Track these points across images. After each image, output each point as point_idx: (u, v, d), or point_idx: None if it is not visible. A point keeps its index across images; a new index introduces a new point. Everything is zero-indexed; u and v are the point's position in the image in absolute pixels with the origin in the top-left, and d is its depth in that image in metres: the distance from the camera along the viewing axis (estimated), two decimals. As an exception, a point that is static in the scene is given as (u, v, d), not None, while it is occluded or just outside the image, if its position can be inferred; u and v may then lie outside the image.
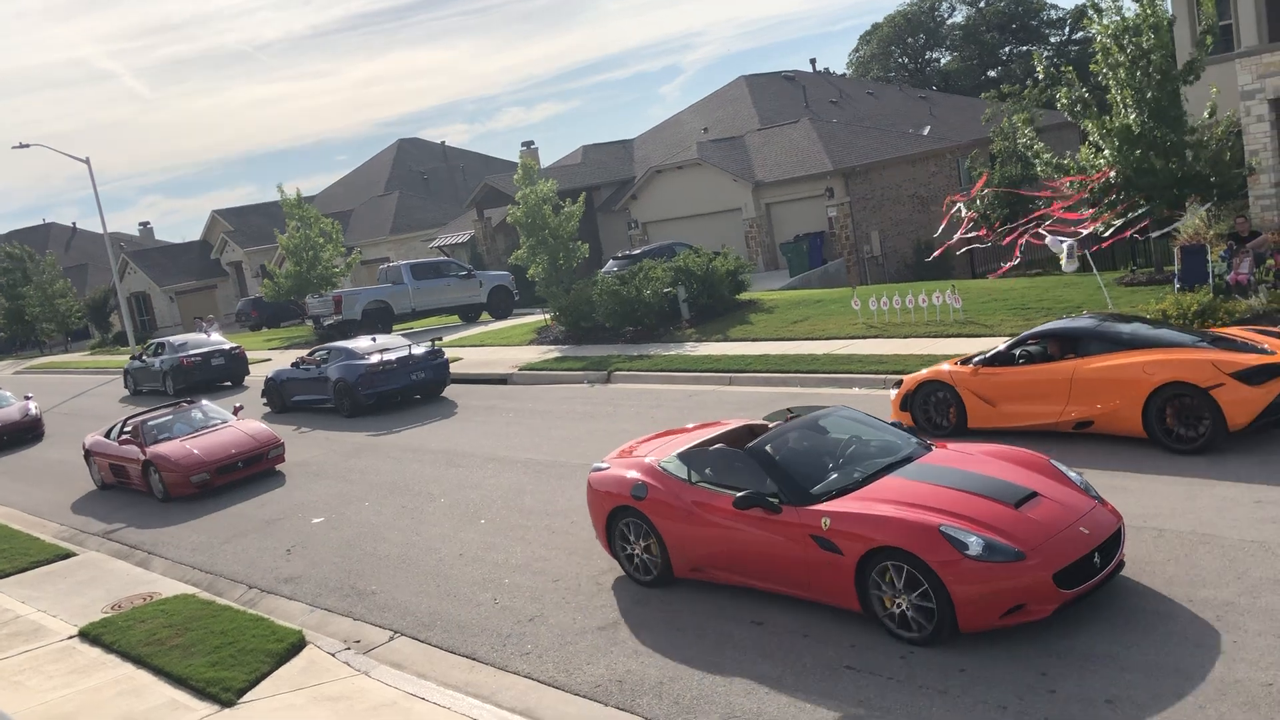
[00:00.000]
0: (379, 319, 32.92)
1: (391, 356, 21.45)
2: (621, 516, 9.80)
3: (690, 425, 11.36)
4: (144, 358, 30.35)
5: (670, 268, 25.37)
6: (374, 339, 23.18)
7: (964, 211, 23.37)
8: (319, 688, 8.93)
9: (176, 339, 30.33)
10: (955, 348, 17.45)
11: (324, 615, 10.73)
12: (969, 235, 21.76)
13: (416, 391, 21.72)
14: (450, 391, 22.46)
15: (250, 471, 16.78)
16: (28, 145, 42.06)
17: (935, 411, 13.13)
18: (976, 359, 13.05)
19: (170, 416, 17.98)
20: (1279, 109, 26.95)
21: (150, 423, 17.61)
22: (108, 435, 18.21)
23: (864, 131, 40.67)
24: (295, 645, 9.73)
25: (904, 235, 37.51)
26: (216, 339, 31.45)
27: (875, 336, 19.64)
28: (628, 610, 9.43)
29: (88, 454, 18.40)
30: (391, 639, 9.87)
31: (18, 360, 51.15)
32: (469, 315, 35.04)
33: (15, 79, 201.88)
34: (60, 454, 22.48)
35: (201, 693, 8.95)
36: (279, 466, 17.50)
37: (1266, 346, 11.34)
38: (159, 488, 16.54)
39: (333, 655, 9.61)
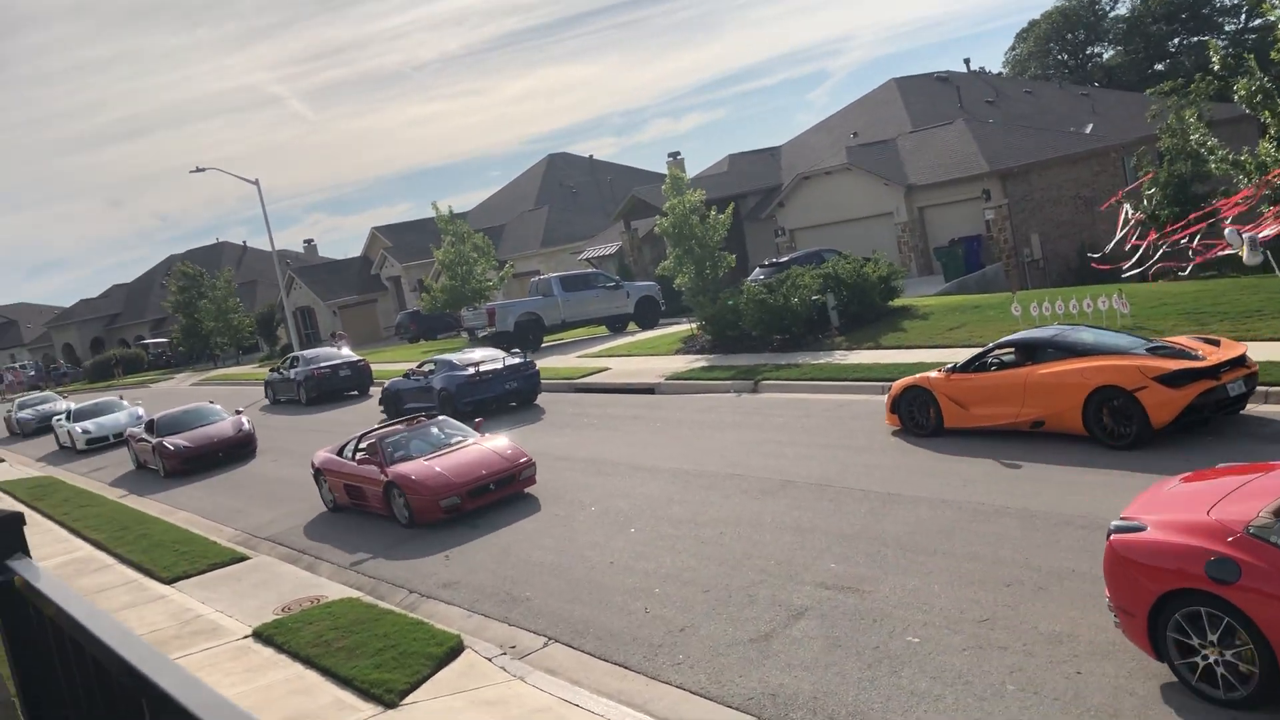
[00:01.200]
0: (530, 330, 33.56)
1: (487, 368, 23.20)
2: (1183, 603, 6.73)
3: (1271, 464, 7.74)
4: (281, 370, 33.26)
5: (819, 275, 25.04)
6: (474, 351, 25.65)
7: (1130, 212, 22.36)
8: (477, 692, 9.11)
9: (309, 353, 33.64)
10: (1122, 354, 16.66)
11: (481, 620, 10.95)
12: (1136, 241, 20.76)
13: (510, 399, 23.41)
14: (597, 401, 22.73)
15: (502, 494, 14.83)
16: (203, 169, 44.66)
17: (918, 413, 14.74)
18: (950, 367, 14.72)
19: (407, 433, 16.16)
20: None
21: (389, 439, 15.86)
22: (340, 453, 16.63)
23: (1022, 131, 39.36)
24: (454, 649, 9.96)
25: (1066, 238, 36.09)
26: (346, 353, 34.01)
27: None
28: (781, 623, 9.31)
29: (318, 473, 16.84)
30: (546, 645, 10.00)
31: (194, 372, 54.18)
32: (616, 326, 35.37)
33: (192, 107, 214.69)
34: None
35: (366, 694, 9.25)
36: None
37: (1199, 353, 12.62)
38: (403, 513, 14.84)
39: (489, 660, 9.80)
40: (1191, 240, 19.63)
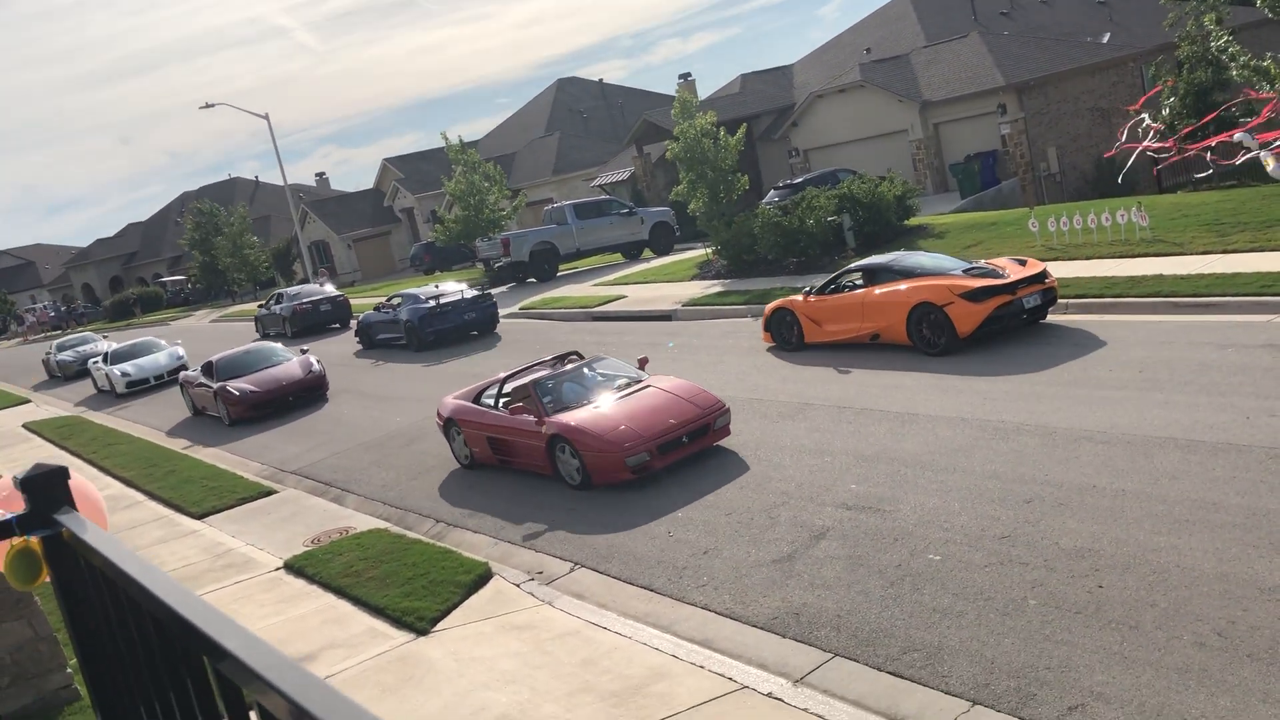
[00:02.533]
0: (545, 259, 33.51)
1: (446, 300, 25.33)
2: None
3: None
4: (269, 306, 35.72)
5: (834, 195, 24.85)
6: (436, 286, 27.65)
7: (1147, 120, 22.01)
8: (506, 617, 9.31)
9: (293, 289, 36.16)
10: (1144, 268, 16.59)
11: (508, 548, 11.14)
12: (1154, 146, 20.47)
13: (470, 329, 25.48)
14: (615, 329, 22.79)
15: (696, 448, 12.21)
16: (213, 105, 44.45)
17: (784, 330, 17.12)
18: (808, 289, 17.07)
19: (562, 373, 13.49)
20: None
21: (544, 382, 13.17)
22: (477, 399, 14.19)
23: (1038, 43, 38.60)
24: (482, 576, 10.15)
25: (1083, 151, 35.60)
26: (328, 289, 36.76)
27: (1056, 259, 18.79)
28: (803, 544, 9.44)
29: (450, 424, 14.23)
30: (572, 570, 10.18)
31: (213, 309, 54.45)
32: (632, 253, 35.26)
33: (198, 41, 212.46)
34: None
35: (398, 622, 9.46)
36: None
37: (1007, 272, 14.87)
38: (574, 473, 12.27)
39: (517, 586, 9.99)
40: (1209, 151, 19.35)
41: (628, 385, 12.97)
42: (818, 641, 7.77)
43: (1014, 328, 14.70)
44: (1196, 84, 28.06)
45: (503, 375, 14.21)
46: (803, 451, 11.94)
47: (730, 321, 21.17)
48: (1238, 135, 18.15)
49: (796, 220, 24.29)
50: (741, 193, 30.21)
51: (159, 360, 28.90)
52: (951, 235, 23.35)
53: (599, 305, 25.82)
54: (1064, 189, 34.53)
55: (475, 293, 25.84)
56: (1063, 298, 16.04)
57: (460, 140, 40.01)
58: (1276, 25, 24.41)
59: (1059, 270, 17.82)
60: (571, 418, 12.25)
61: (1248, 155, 18.38)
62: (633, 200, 41.10)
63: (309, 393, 21.28)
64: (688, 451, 12.12)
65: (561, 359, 14.21)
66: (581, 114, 62.30)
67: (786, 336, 17.07)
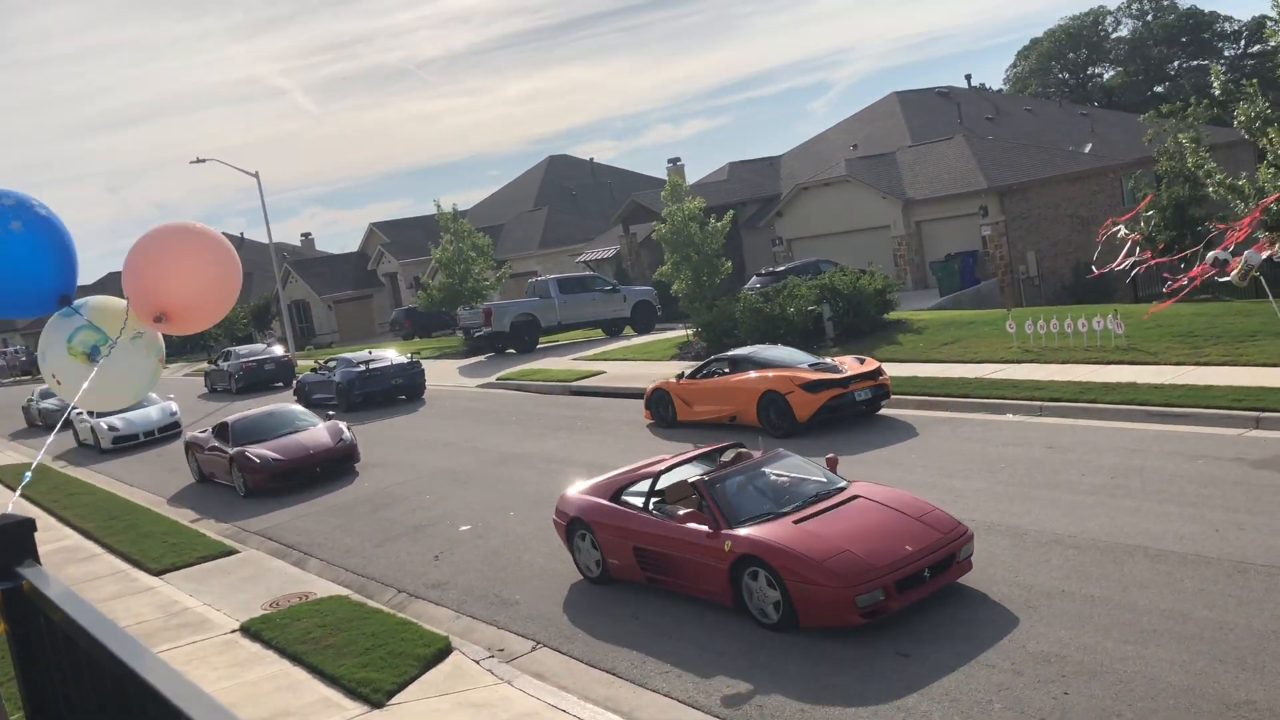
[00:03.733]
0: (526, 331, 33.55)
1: (376, 365, 27.18)
2: None
3: None
4: (218, 363, 37.12)
5: (815, 285, 25.10)
6: (370, 352, 29.20)
7: (1123, 232, 22.42)
8: (464, 694, 9.11)
9: (242, 349, 37.90)
10: (1118, 375, 16.76)
11: (469, 622, 10.96)
12: (1134, 259, 20.80)
13: (397, 394, 27.13)
14: (593, 405, 22.75)
15: (936, 586, 9.27)
16: (203, 160, 44.60)
17: (662, 409, 19.00)
18: (680, 374, 19.13)
19: (727, 471, 10.53)
20: None
21: (721, 484, 10.17)
22: (617, 498, 11.04)
23: (1021, 149, 39.48)
24: (442, 650, 9.96)
25: (1062, 256, 36.20)
26: (275, 350, 38.26)
27: (1031, 361, 19.01)
28: (768, 634, 9.32)
29: (575, 524, 11.21)
30: (534, 649, 10.01)
31: (187, 363, 54.04)
32: (612, 329, 35.38)
33: (195, 96, 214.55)
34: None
35: (353, 692, 9.24)
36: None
37: (845, 368, 17.21)
38: (771, 606, 9.18)
39: (477, 662, 9.80)
40: (1186, 265, 19.68)
41: (827, 493, 10.13)
42: (780, 736, 7.62)
43: (850, 416, 16.89)
44: (1175, 198, 28.69)
45: (651, 466, 11.57)
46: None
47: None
48: (1209, 255, 18.52)
49: (777, 307, 24.48)
50: (725, 277, 30.52)
51: (150, 415, 26.85)
52: (929, 331, 23.56)
53: (577, 380, 25.81)
54: (1042, 292, 35.02)
55: (404, 360, 27.85)
56: (1037, 400, 16.20)
57: (454, 209, 40.31)
58: (1250, 145, 25.08)
59: (1036, 373, 18.02)
60: (769, 533, 9.30)
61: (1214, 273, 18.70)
62: (616, 278, 41.37)
63: (339, 464, 18.78)
64: (928, 591, 9.15)
65: (721, 451, 11.67)
66: (570, 191, 62.99)
67: (663, 414, 19.07)
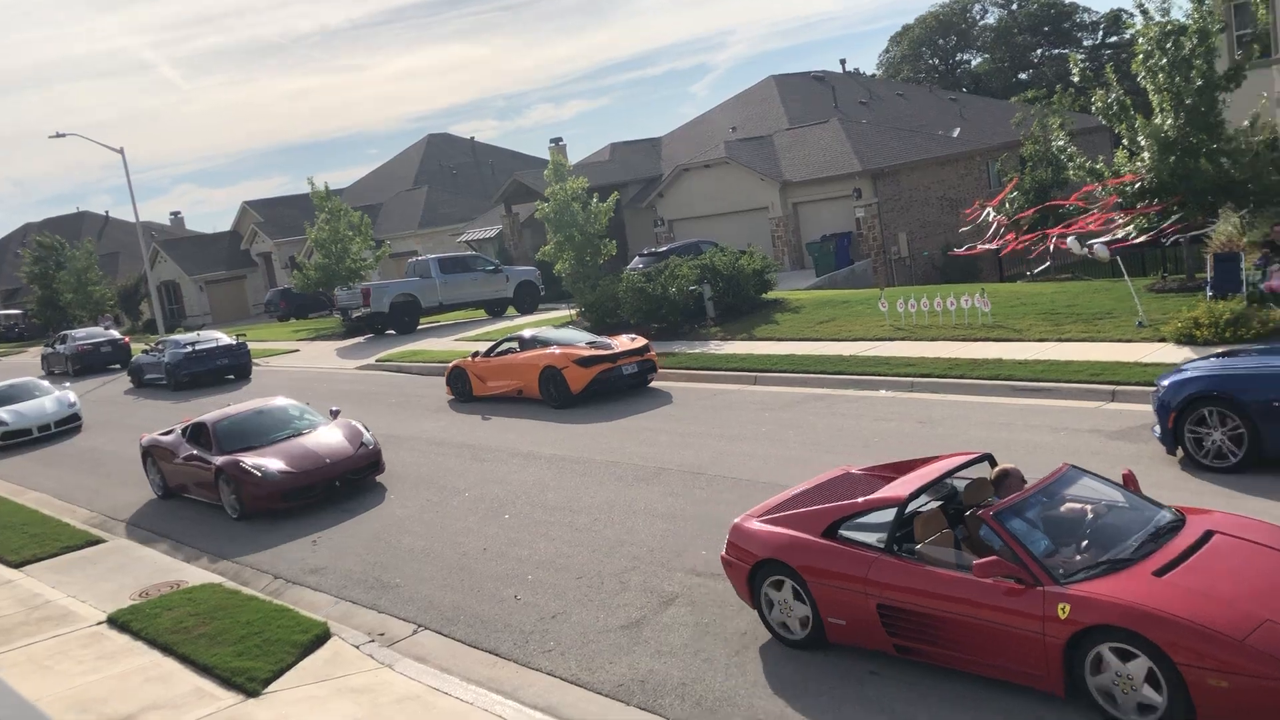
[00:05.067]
0: (406, 312, 33.06)
1: (202, 346, 28.60)
2: None
3: None
4: (54, 346, 36.77)
5: (696, 265, 25.34)
6: (198, 334, 30.70)
7: (992, 216, 23.23)
8: (343, 680, 8.99)
9: (79, 332, 37.64)
10: (985, 352, 17.37)
11: (349, 607, 10.79)
12: (996, 239, 21.58)
13: (224, 373, 28.58)
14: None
15: None
16: (64, 135, 42.52)
17: (461, 385, 20.58)
18: (475, 353, 20.89)
19: (1015, 499, 7.56)
20: (1316, 116, 26.60)
21: (1022, 514, 7.42)
22: (832, 533, 8.11)
23: (893, 133, 40.46)
24: (320, 637, 9.79)
25: (932, 237, 37.29)
26: (111, 333, 38.22)
27: (903, 339, 19.56)
28: (652, 610, 9.43)
29: (769, 566, 8.30)
30: (415, 632, 9.92)
31: (48, 346, 51.54)
32: (495, 310, 35.13)
33: (56, 69, 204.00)
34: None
35: (227, 682, 9.02)
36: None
37: (616, 346, 19.00)
38: (1135, 707, 6.44)
39: (357, 648, 9.66)
40: (1047, 243, 20.53)
41: (1166, 528, 7.39)
42: (662, 710, 7.74)
43: (619, 389, 18.74)
44: (1038, 181, 29.81)
45: (875, 490, 8.47)
46: (654, 516, 11.99)
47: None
48: (1069, 240, 19.33)
49: (660, 287, 24.64)
50: (608, 257, 30.48)
51: (44, 407, 23.66)
52: (806, 310, 24.04)
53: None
54: (913, 273, 36.04)
55: (231, 342, 29.26)
56: (909, 376, 16.69)
57: (326, 187, 39.33)
58: (1107, 131, 26.21)
59: (908, 350, 18.55)
60: (1132, 594, 6.54)
61: (1077, 252, 19.55)
62: (499, 258, 41.03)
63: (363, 474, 14.99)
64: None
65: (963, 466, 8.55)
66: (451, 170, 62.11)
67: (461, 390, 20.65)
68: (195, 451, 15.37)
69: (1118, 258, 19.83)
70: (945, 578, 7.28)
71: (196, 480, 15.35)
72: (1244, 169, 19.06)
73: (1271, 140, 20.28)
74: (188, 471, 15.51)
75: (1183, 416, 10.84)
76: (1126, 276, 19.12)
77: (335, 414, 16.29)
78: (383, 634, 9.98)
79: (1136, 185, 19.53)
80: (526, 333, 20.62)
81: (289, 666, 9.24)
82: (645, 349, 19.34)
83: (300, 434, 15.40)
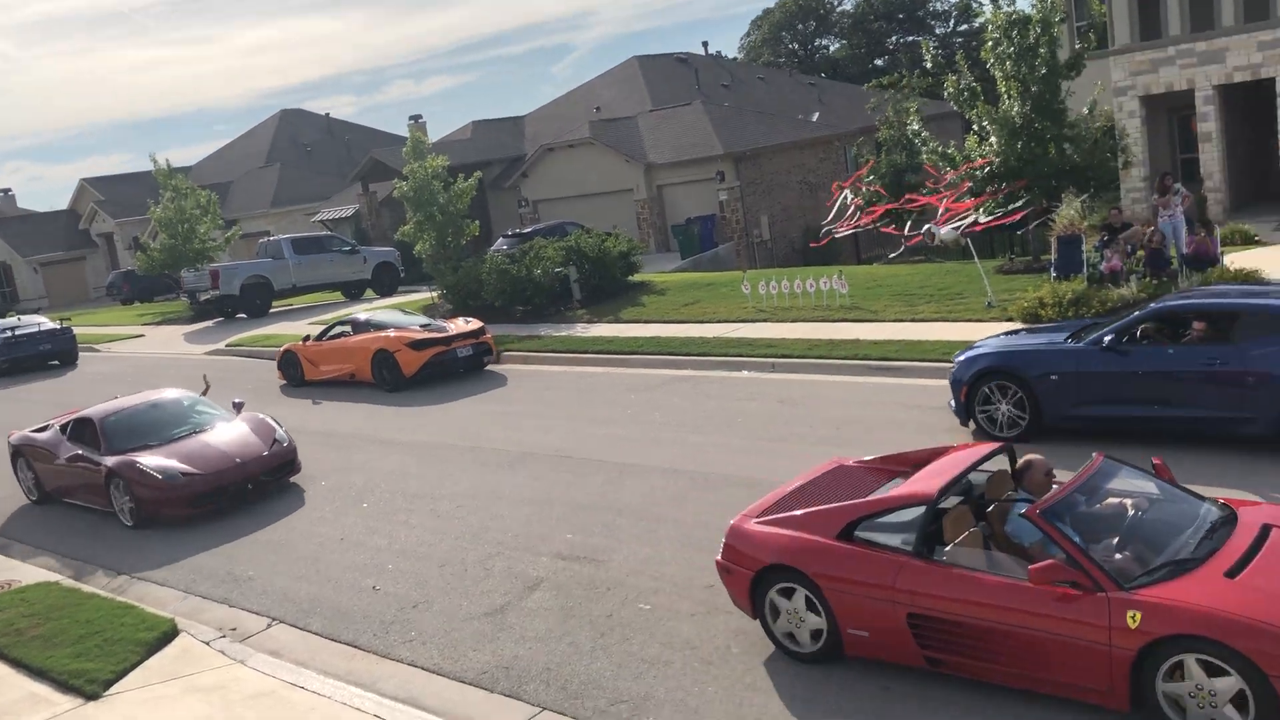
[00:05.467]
0: (258, 294, 31.94)
1: (22, 332, 27.86)
2: None
3: None
4: None
5: (561, 247, 25.16)
6: (18, 318, 29.97)
7: (850, 198, 23.73)
8: (192, 678, 8.58)
9: None
10: (843, 332, 17.73)
11: (199, 602, 10.33)
12: (856, 224, 22.03)
13: (47, 359, 27.88)
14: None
15: None
16: (-124, 103, 39.54)
17: (292, 370, 20.34)
18: (306, 337, 20.75)
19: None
20: (1149, 106, 28.12)
21: (1072, 511, 6.85)
22: (850, 535, 7.30)
23: (755, 116, 40.97)
24: (167, 634, 9.33)
25: (792, 220, 37.96)
26: None
27: (764, 320, 19.82)
28: (516, 596, 9.29)
29: (776, 572, 7.46)
30: (269, 626, 9.55)
31: None
32: (353, 292, 34.23)
33: None
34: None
35: (64, 685, 8.51)
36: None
37: (450, 329, 19.19)
38: None
39: (207, 644, 9.24)
40: (902, 228, 21.07)
41: (1219, 523, 6.91)
42: (527, 696, 7.63)
43: (454, 372, 18.82)
44: (894, 165, 30.61)
45: (891, 485, 7.90)
46: (519, 501, 11.84)
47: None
48: (925, 228, 19.89)
49: (524, 269, 24.38)
50: (470, 238, 30.04)
51: None
52: (672, 293, 24.15)
53: (315, 345, 24.76)
54: (774, 255, 36.64)
55: (55, 327, 28.58)
56: (770, 357, 16.90)
57: (169, 164, 37.61)
58: (959, 116, 27.08)
59: (769, 331, 18.81)
60: (1213, 599, 6.01)
61: (935, 240, 20.13)
62: (356, 238, 40.01)
63: (277, 475, 13.56)
64: None
65: (985, 458, 7.78)
66: (305, 147, 60.22)
67: (293, 374, 20.42)
68: (80, 451, 13.61)
69: (968, 240, 20.49)
70: (989, 583, 6.56)
71: (82, 484, 13.64)
72: (1085, 154, 19.93)
73: (1108, 127, 21.26)
74: (71, 474, 13.77)
75: (973, 390, 11.61)
76: (976, 259, 19.78)
77: (239, 407, 14.73)
78: (234, 629, 9.57)
79: (986, 170, 20.21)
80: (359, 316, 20.59)
81: (133, 666, 8.78)
82: (480, 331, 19.49)
83: (202, 430, 13.76)
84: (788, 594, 7.40)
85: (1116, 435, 10.79)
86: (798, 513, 7.62)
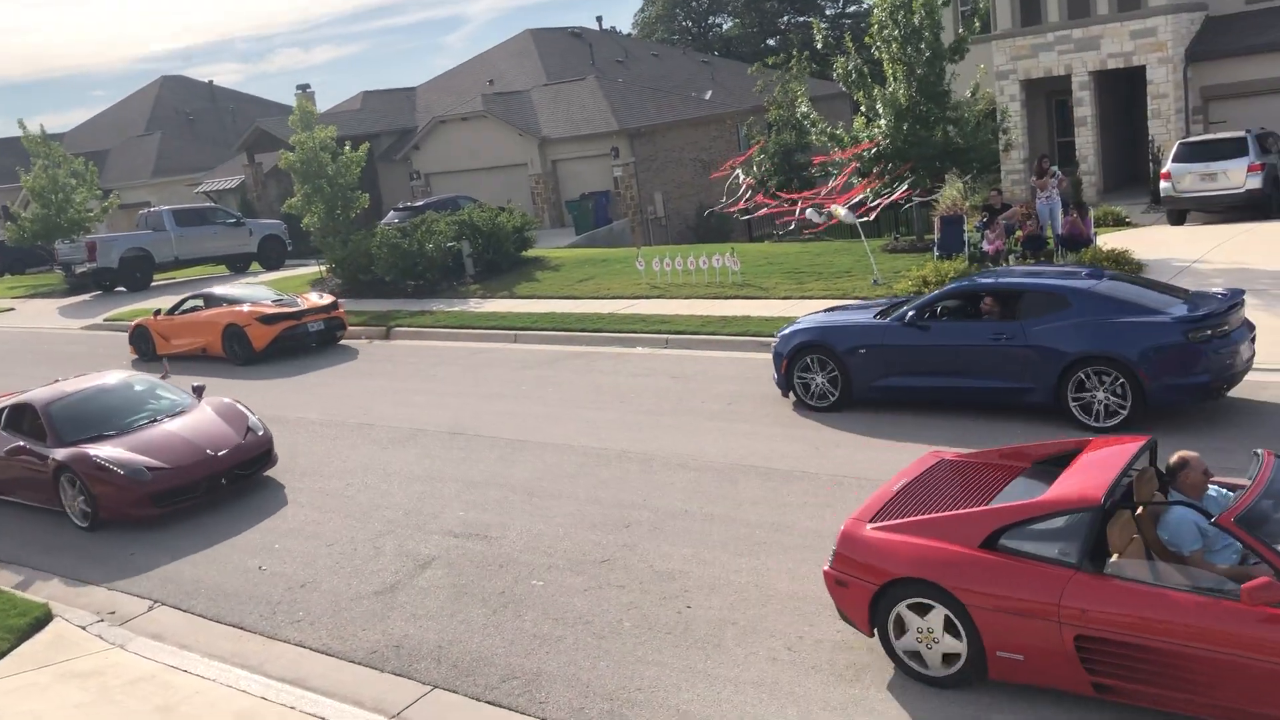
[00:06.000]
0: (138, 267, 30.81)
1: None
2: None
3: None
4: None
5: (454, 221, 24.86)
6: None
7: (741, 177, 23.98)
8: (68, 664, 8.32)
9: None
10: (734, 309, 17.95)
11: (75, 586, 9.99)
12: (750, 205, 22.24)
13: None
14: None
15: None
16: None
17: (144, 344, 20.32)
18: (157, 311, 20.70)
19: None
20: (1029, 90, 29.05)
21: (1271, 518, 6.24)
22: (994, 544, 6.45)
23: (649, 93, 40.98)
24: (41, 619, 9.02)
25: (686, 198, 38.16)
26: None
27: (658, 297, 19.94)
28: (407, 574, 9.23)
29: (907, 586, 6.59)
30: (151, 609, 9.30)
31: None
32: (238, 265, 33.26)
33: None
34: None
35: (-71, 675, 8.16)
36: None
37: (301, 304, 19.70)
38: None
39: (84, 629, 8.97)
40: (793, 208, 21.39)
41: None
42: (417, 674, 7.60)
43: (305, 347, 19.20)
44: (783, 145, 30.98)
45: (1023, 490, 6.96)
46: (410, 478, 11.73)
47: (342, 342, 20.43)
48: (809, 211, 20.21)
49: (416, 243, 24.03)
50: (360, 211, 29.44)
51: None
52: (566, 269, 24.10)
53: (198, 320, 24.04)
54: (668, 232, 36.79)
55: None
56: (663, 333, 17.01)
57: (42, 130, 35.94)
58: (848, 97, 27.55)
59: (663, 308, 18.93)
60: None
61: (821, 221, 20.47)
62: (241, 210, 38.87)
63: (253, 468, 12.09)
64: None
65: (1136, 455, 6.84)
66: (188, 115, 58.15)
67: (145, 349, 20.35)
68: (22, 443, 12.01)
69: (856, 221, 20.91)
70: (1183, 602, 5.77)
71: (22, 479, 12.06)
72: (968, 137, 20.48)
73: (990, 110, 21.88)
74: (9, 468, 12.18)
75: (792, 363, 12.43)
76: (864, 238, 20.21)
77: (200, 391, 13.17)
78: (113, 612, 9.30)
79: (873, 151, 20.62)
80: (212, 290, 20.82)
81: (3, 654, 8.48)
82: (333, 306, 19.93)
83: (163, 418, 12.22)
84: (920, 611, 6.52)
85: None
86: (924, 518, 6.73)
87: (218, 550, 10.34)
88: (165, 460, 11.35)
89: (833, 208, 19.47)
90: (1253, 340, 10.81)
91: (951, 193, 19.28)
